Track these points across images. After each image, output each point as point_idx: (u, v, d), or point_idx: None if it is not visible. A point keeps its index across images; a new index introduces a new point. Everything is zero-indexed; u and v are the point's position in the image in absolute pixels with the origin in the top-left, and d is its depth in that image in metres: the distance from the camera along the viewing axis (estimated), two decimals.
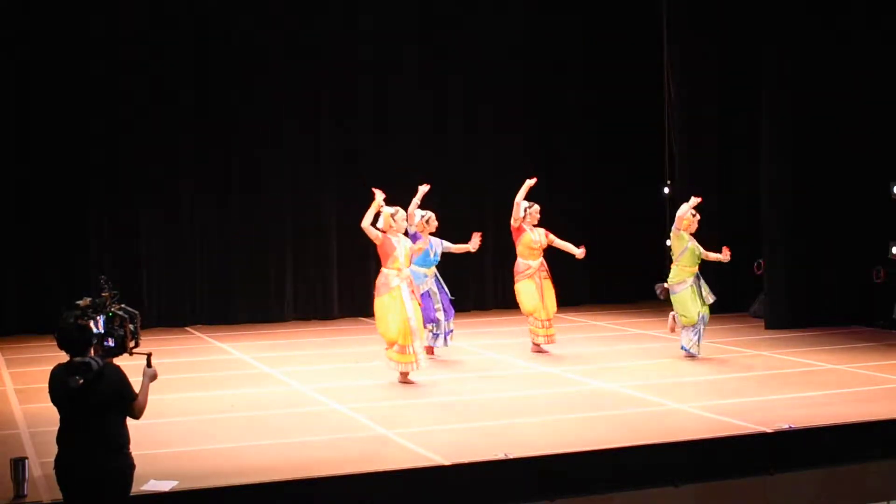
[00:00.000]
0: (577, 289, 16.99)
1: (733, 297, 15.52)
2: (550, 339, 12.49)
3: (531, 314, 12.40)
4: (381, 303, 10.48)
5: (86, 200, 14.85)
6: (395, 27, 16.17)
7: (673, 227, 11.78)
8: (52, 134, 14.71)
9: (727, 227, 15.59)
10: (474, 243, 11.83)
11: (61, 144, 14.75)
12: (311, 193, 15.86)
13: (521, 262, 12.48)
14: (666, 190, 17.09)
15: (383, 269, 10.54)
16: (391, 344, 10.48)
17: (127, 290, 14.05)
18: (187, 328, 15.04)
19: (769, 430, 8.32)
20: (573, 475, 7.71)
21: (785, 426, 8.37)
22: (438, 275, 12.14)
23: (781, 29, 14.05)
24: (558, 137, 17.01)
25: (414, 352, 10.47)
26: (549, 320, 12.47)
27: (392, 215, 10.56)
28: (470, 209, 15.96)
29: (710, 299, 11.73)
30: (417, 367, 10.55)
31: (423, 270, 11.74)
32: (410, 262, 10.72)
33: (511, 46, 16.77)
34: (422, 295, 11.31)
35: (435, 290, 11.97)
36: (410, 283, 10.61)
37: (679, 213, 11.72)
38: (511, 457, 7.63)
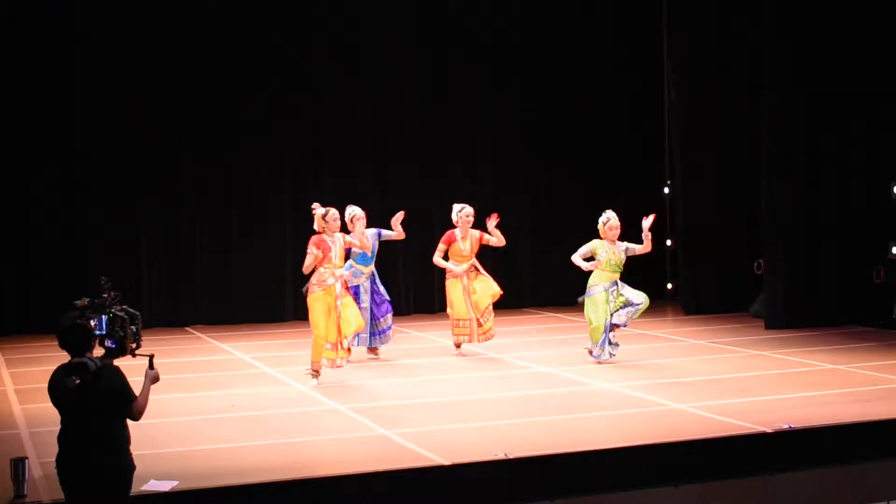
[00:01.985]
0: (576, 289, 16.96)
1: (733, 297, 15.54)
2: (484, 337, 12.32)
3: (454, 316, 12.26)
4: (313, 298, 10.53)
5: (86, 201, 14.86)
6: (396, 33, 16.17)
7: None
8: (52, 135, 14.73)
9: (727, 226, 15.62)
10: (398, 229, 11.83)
11: (61, 145, 14.77)
12: (310, 194, 15.80)
13: (449, 264, 12.31)
14: (666, 190, 17.10)
15: (318, 268, 10.59)
16: (320, 340, 10.49)
17: (127, 290, 14.14)
18: (187, 328, 15.04)
19: (769, 430, 8.32)
20: (573, 475, 7.70)
21: (785, 426, 8.36)
22: (376, 273, 12.10)
23: (782, 29, 14.04)
24: (557, 138, 16.99)
25: (339, 350, 10.57)
26: (477, 319, 12.27)
27: (322, 216, 10.71)
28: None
29: (640, 298, 11.40)
30: (336, 366, 10.63)
31: (360, 268, 11.83)
32: (345, 262, 10.88)
33: (510, 44, 16.76)
34: (354, 291, 11.46)
35: (367, 287, 11.92)
36: (344, 284, 10.76)
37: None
38: (511, 457, 7.63)
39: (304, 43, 15.76)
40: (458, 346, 12.44)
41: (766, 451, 8.19)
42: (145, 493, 6.82)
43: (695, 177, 15.83)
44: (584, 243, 11.71)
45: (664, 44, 16.45)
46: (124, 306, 5.98)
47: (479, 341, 12.39)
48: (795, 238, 14.04)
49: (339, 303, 10.58)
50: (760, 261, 14.84)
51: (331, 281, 10.54)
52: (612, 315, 11.43)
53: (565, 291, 16.86)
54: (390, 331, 12.13)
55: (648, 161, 17.17)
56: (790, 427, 8.35)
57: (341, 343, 10.68)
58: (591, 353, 11.63)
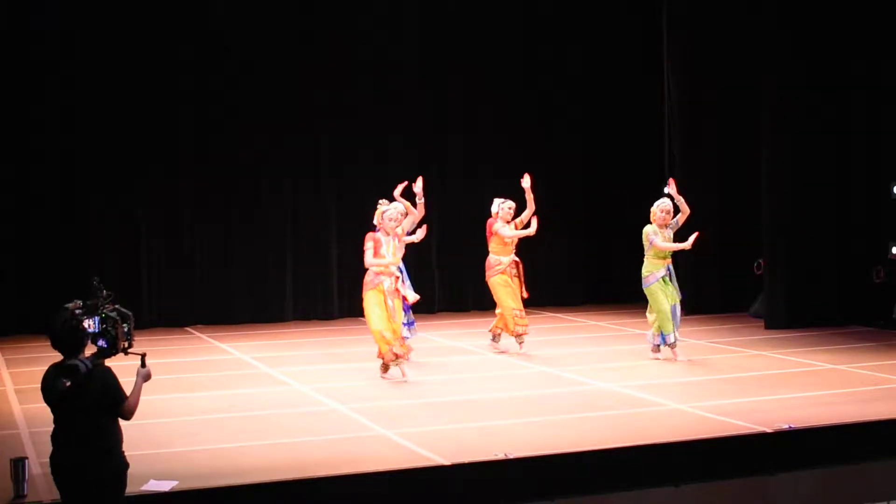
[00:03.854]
0: (577, 288, 17.01)
1: (733, 297, 15.54)
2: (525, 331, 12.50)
3: (513, 308, 12.31)
4: (368, 298, 10.69)
5: (86, 200, 14.86)
6: (395, 30, 16.17)
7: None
8: (52, 135, 14.73)
9: (727, 226, 15.61)
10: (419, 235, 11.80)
11: (61, 146, 14.77)
12: (311, 193, 15.86)
13: (492, 258, 12.42)
14: (666, 189, 17.06)
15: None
16: (380, 335, 10.59)
17: (127, 291, 14.23)
18: (187, 328, 15.04)
19: (769, 430, 8.32)
20: (573, 475, 7.71)
21: (785, 426, 8.37)
22: (403, 267, 12.13)
23: (783, 28, 14.04)
24: (558, 137, 17.01)
25: (395, 344, 10.62)
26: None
27: (383, 213, 10.79)
28: (470, 212, 15.96)
29: (678, 296, 11.67)
30: (396, 361, 10.67)
31: None
32: (397, 261, 10.89)
33: (511, 45, 16.77)
34: None
35: None
36: (396, 280, 10.84)
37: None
38: (511, 457, 7.63)
39: (304, 43, 15.75)
40: (519, 336, 12.39)
41: (766, 451, 8.20)
42: (145, 493, 6.83)
43: (695, 176, 15.81)
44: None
45: (664, 43, 16.43)
46: (116, 306, 6.00)
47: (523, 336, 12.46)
48: (795, 238, 14.04)
49: (390, 301, 10.65)
50: (760, 261, 14.84)
51: (380, 279, 10.65)
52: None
53: (565, 291, 16.93)
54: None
55: (648, 161, 17.15)
56: (790, 427, 8.35)
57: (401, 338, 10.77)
58: (656, 349, 11.71)
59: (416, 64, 16.34)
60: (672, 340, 11.62)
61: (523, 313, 12.41)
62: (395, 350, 10.65)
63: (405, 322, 12.02)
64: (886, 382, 10.29)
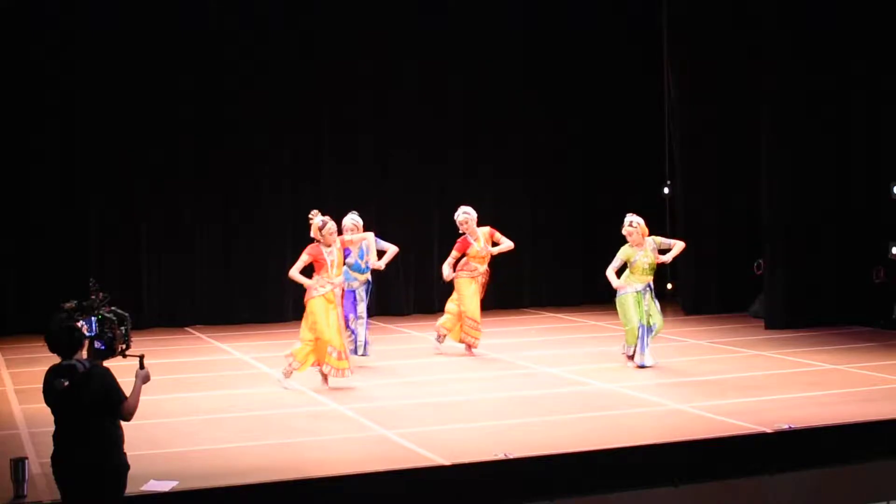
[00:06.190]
0: (576, 289, 16.99)
1: (733, 297, 15.54)
2: (476, 342, 12.30)
3: (470, 315, 12.12)
4: (313, 304, 10.35)
5: (86, 200, 14.87)
6: (395, 31, 16.17)
7: None
8: (52, 136, 14.74)
9: (727, 226, 15.62)
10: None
11: (62, 146, 14.78)
12: (310, 194, 15.84)
13: (468, 262, 12.27)
14: (665, 190, 17.10)
15: (315, 276, 10.41)
16: (323, 345, 10.30)
17: (127, 291, 14.24)
18: (187, 328, 15.04)
19: (769, 430, 8.32)
20: (573, 475, 7.71)
21: (785, 426, 8.37)
22: (371, 282, 11.98)
23: (783, 27, 14.04)
24: (558, 137, 17.01)
25: (344, 358, 10.38)
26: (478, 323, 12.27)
27: (319, 228, 10.39)
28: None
29: (657, 319, 11.20)
30: (338, 375, 10.38)
31: (355, 275, 11.64)
32: (341, 272, 10.58)
33: (512, 46, 16.77)
34: (352, 299, 11.49)
35: (362, 295, 11.79)
36: (341, 291, 10.64)
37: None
38: (511, 457, 7.63)
39: (304, 40, 15.76)
40: (470, 347, 12.27)
41: (766, 451, 8.20)
42: (145, 493, 6.83)
43: (695, 177, 15.82)
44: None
45: (664, 43, 16.44)
46: (113, 308, 6.00)
47: (474, 344, 12.30)
48: (795, 238, 14.03)
49: (332, 313, 10.35)
50: (760, 261, 14.84)
51: (328, 288, 10.31)
52: (648, 320, 11.18)
53: (565, 291, 16.93)
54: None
55: (648, 161, 17.17)
56: (790, 427, 8.35)
57: (346, 352, 10.49)
58: (629, 357, 11.31)
59: (416, 64, 16.33)
60: (630, 352, 11.26)
61: (479, 326, 12.19)
62: (296, 363, 10.35)
63: (364, 341, 11.84)
64: (886, 382, 10.28)
